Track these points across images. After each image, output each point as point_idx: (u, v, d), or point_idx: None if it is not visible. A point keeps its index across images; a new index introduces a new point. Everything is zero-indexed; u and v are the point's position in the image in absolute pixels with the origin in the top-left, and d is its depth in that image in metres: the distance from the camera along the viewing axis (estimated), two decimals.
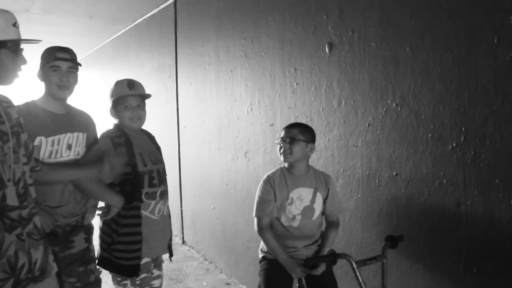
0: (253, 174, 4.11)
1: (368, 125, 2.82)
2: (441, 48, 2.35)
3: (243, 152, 4.27)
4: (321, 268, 2.68)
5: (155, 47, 6.52)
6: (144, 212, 2.61)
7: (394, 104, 2.64)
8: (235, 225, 4.47)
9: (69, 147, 2.57)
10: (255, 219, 2.74)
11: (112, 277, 2.67)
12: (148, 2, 5.93)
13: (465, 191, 2.28)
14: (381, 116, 2.73)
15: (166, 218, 2.78)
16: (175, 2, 5.66)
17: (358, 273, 2.21)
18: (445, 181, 2.38)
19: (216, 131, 4.79)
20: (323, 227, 2.86)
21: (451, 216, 2.36)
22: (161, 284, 2.87)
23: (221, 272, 4.77)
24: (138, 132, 2.76)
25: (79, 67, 2.61)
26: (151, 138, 2.89)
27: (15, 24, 1.89)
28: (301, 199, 2.71)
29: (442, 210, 2.41)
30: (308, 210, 2.72)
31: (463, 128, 2.27)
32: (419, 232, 2.54)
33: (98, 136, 2.77)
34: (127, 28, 7.66)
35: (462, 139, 2.28)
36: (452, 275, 2.37)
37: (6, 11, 1.87)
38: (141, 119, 2.74)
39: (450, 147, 2.33)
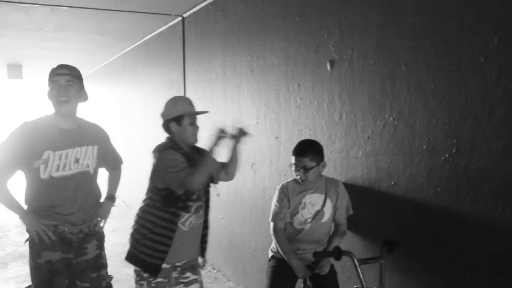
0: (259, 185, 4.29)
1: (368, 137, 3.00)
2: (433, 66, 2.54)
3: (250, 164, 4.44)
4: (326, 268, 2.90)
5: (164, 63, 6.74)
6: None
7: (391, 118, 2.82)
8: (242, 234, 4.64)
9: (77, 160, 2.74)
10: (271, 224, 3.05)
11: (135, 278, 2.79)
12: (157, 19, 6.16)
13: (457, 199, 2.45)
14: (379, 129, 2.91)
15: (197, 230, 2.83)
16: (183, 20, 5.89)
17: (359, 270, 2.41)
18: (439, 189, 2.55)
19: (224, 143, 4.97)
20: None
21: (446, 222, 2.53)
22: None
23: (228, 280, 4.93)
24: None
25: (83, 82, 2.76)
26: (200, 152, 2.88)
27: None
28: (313, 204, 3.00)
29: (437, 217, 2.57)
30: (318, 214, 2.99)
31: (454, 141, 2.44)
32: (416, 237, 2.70)
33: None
34: (135, 44, 7.90)
35: (454, 151, 2.45)
36: (447, 277, 2.53)
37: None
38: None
39: (443, 158, 2.51)
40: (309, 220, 2.98)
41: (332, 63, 3.28)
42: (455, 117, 2.43)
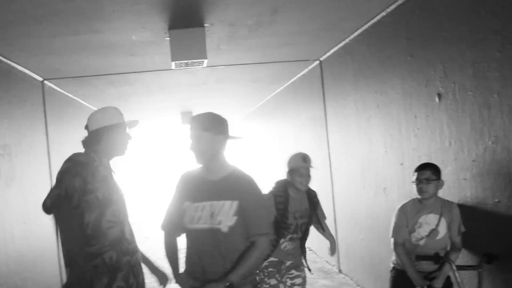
0: (391, 207, 4.72)
1: (473, 161, 3.34)
2: None
3: (382, 189, 4.92)
4: (441, 281, 3.26)
5: (308, 101, 7.54)
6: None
7: (490, 142, 3.15)
8: (380, 253, 5.09)
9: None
10: (391, 239, 3.49)
11: None
12: (299, 65, 7.02)
13: None
14: (481, 152, 3.24)
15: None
16: (320, 64, 6.65)
17: (457, 275, 2.79)
18: None
19: (360, 171, 5.52)
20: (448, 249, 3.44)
21: None
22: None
23: None
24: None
25: (218, 129, 2.56)
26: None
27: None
28: (428, 223, 3.38)
29: None
30: (433, 232, 3.36)
31: None
32: None
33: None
34: (284, 86, 8.88)
35: None
36: None
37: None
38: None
39: None
40: (424, 237, 3.38)
41: (439, 96, 3.69)
42: None
